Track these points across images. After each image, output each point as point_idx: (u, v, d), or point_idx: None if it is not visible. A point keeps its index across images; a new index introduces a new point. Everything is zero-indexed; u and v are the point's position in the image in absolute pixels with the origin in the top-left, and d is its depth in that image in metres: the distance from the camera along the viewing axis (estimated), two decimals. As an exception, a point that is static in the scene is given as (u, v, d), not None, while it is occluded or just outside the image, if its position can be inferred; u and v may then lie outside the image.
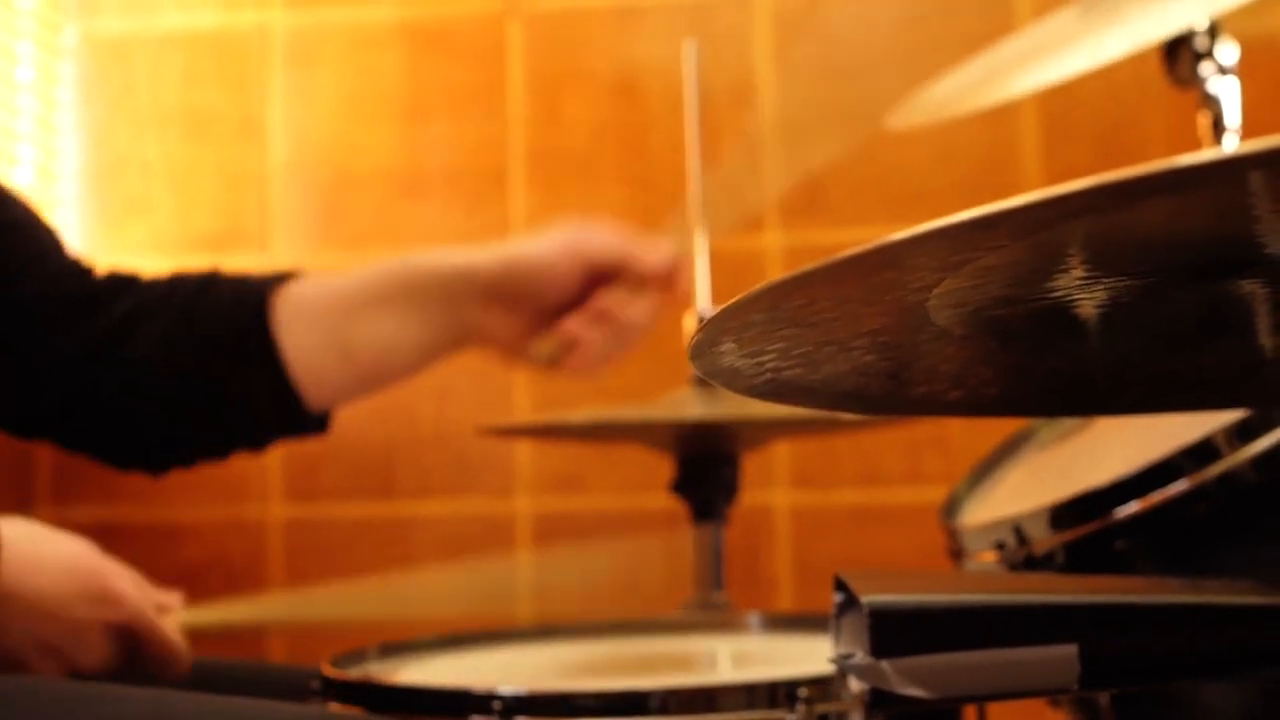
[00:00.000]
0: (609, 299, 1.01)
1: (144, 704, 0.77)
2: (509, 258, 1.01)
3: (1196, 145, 1.11)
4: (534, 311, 1.02)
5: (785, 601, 2.03)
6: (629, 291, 1.02)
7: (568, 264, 1.00)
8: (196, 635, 0.89)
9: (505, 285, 1.01)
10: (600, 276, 1.01)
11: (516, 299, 1.01)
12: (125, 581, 0.84)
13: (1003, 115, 2.00)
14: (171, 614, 0.87)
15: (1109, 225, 0.51)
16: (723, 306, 0.51)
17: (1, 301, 1.02)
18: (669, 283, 1.03)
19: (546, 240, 1.02)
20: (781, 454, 2.04)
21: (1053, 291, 0.59)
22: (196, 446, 1.08)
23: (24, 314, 1.02)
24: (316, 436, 1.09)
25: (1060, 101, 2.04)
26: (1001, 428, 1.19)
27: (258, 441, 1.09)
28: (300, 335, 1.03)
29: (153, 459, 1.07)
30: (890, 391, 0.70)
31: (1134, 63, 1.16)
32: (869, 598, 0.63)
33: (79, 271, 1.07)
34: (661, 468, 1.31)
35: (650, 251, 1.02)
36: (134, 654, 0.85)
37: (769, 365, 0.60)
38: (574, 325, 1.01)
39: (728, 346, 0.56)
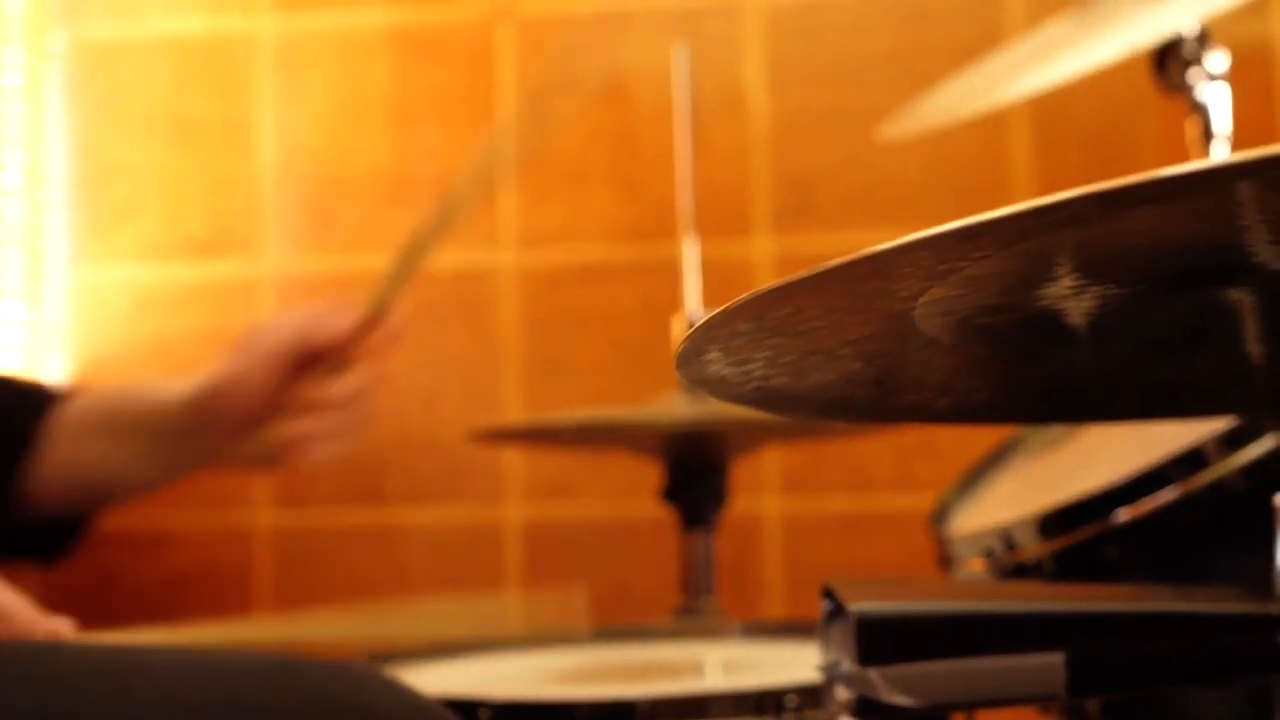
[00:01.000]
0: (308, 387, 0.99)
1: (103, 655, 0.76)
2: (200, 383, 1.01)
3: (1187, 152, 1.12)
4: (242, 424, 1.01)
5: (776, 608, 2.03)
6: (330, 370, 1.00)
7: (258, 366, 0.99)
8: None
9: (202, 409, 1.01)
10: (298, 365, 1.00)
11: (220, 418, 1.01)
12: (13, 601, 0.82)
13: (993, 122, 2.00)
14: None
15: (1096, 234, 0.51)
16: (707, 316, 0.51)
17: None
18: (367, 347, 1.02)
19: (236, 352, 1.01)
20: (772, 461, 2.04)
21: (1041, 300, 0.59)
22: None
23: None
24: (39, 562, 1.08)
25: (1051, 108, 2.04)
26: (991, 435, 1.19)
27: None
28: (51, 449, 1.03)
29: None
30: (878, 399, 0.70)
31: (1125, 70, 1.17)
32: (856, 606, 0.63)
33: None
34: (651, 475, 1.31)
35: (329, 323, 1.00)
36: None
37: (756, 374, 0.60)
38: (286, 428, 1.00)
39: (714, 355, 0.56)
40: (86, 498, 1.05)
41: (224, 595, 2.13)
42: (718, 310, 0.50)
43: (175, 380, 1.04)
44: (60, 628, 0.84)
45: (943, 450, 1.99)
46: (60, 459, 1.03)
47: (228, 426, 1.02)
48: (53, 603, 0.84)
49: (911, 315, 0.57)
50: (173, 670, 0.76)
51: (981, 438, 1.18)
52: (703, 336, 0.53)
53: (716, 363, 0.57)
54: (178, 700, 0.71)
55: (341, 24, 2.18)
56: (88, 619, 0.86)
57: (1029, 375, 0.70)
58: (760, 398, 0.64)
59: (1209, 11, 1.00)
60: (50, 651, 0.78)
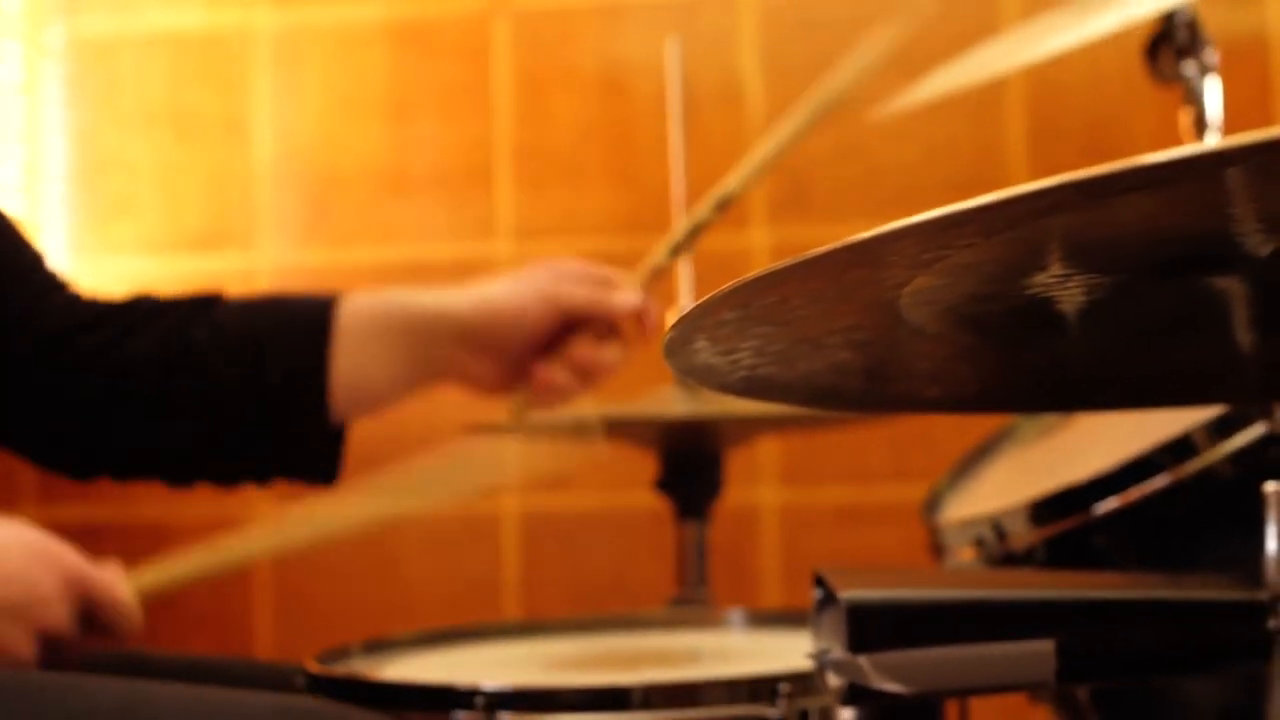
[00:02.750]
0: (581, 346, 1.03)
1: (115, 695, 0.78)
2: (485, 304, 1.03)
3: (1181, 142, 1.12)
4: (506, 354, 1.03)
5: (772, 598, 2.04)
6: (598, 335, 1.04)
7: (541, 312, 1.02)
8: (154, 598, 0.90)
9: (480, 330, 1.02)
10: (571, 321, 1.03)
11: (490, 343, 1.03)
12: (70, 551, 0.87)
13: (989, 113, 2.01)
14: (122, 578, 0.89)
15: (1083, 222, 0.51)
16: (693, 304, 0.51)
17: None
18: (639, 325, 1.05)
19: (521, 287, 1.03)
20: (768, 451, 2.05)
21: (1029, 288, 0.59)
22: (224, 467, 1.08)
23: (22, 327, 1.02)
24: (319, 483, 1.08)
25: (1047, 99, 2.05)
26: (987, 425, 1.19)
27: (268, 470, 1.09)
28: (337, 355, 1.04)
29: (182, 476, 1.08)
30: (867, 389, 0.70)
31: (1120, 60, 1.17)
32: (847, 593, 0.64)
33: (71, 293, 1.07)
34: (647, 466, 1.31)
35: (620, 298, 1.03)
36: (88, 619, 0.87)
37: (744, 362, 0.60)
38: (547, 373, 1.03)
39: (701, 344, 0.57)
40: (352, 407, 1.05)
41: (223, 587, 2.14)
42: (703, 299, 0.50)
43: (447, 291, 1.05)
44: (111, 574, 0.87)
45: (938, 440, 2.00)
46: (340, 365, 1.03)
47: (497, 348, 1.03)
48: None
49: (898, 304, 0.58)
50: (181, 712, 0.77)
51: (977, 427, 1.19)
52: (689, 326, 0.53)
53: (704, 352, 0.58)
54: None
55: (338, 18, 2.18)
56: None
57: (1018, 364, 0.70)
58: (749, 387, 0.64)
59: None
60: (61, 689, 0.79)
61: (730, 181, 1.06)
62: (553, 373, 1.03)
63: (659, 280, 1.08)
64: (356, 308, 1.04)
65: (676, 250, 1.07)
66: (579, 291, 1.03)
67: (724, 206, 1.06)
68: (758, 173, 1.06)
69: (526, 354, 1.04)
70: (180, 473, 1.08)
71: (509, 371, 1.05)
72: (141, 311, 1.05)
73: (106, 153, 2.19)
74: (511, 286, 1.04)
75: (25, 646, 0.84)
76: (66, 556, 0.86)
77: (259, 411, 1.03)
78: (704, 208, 1.07)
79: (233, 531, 0.94)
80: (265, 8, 2.18)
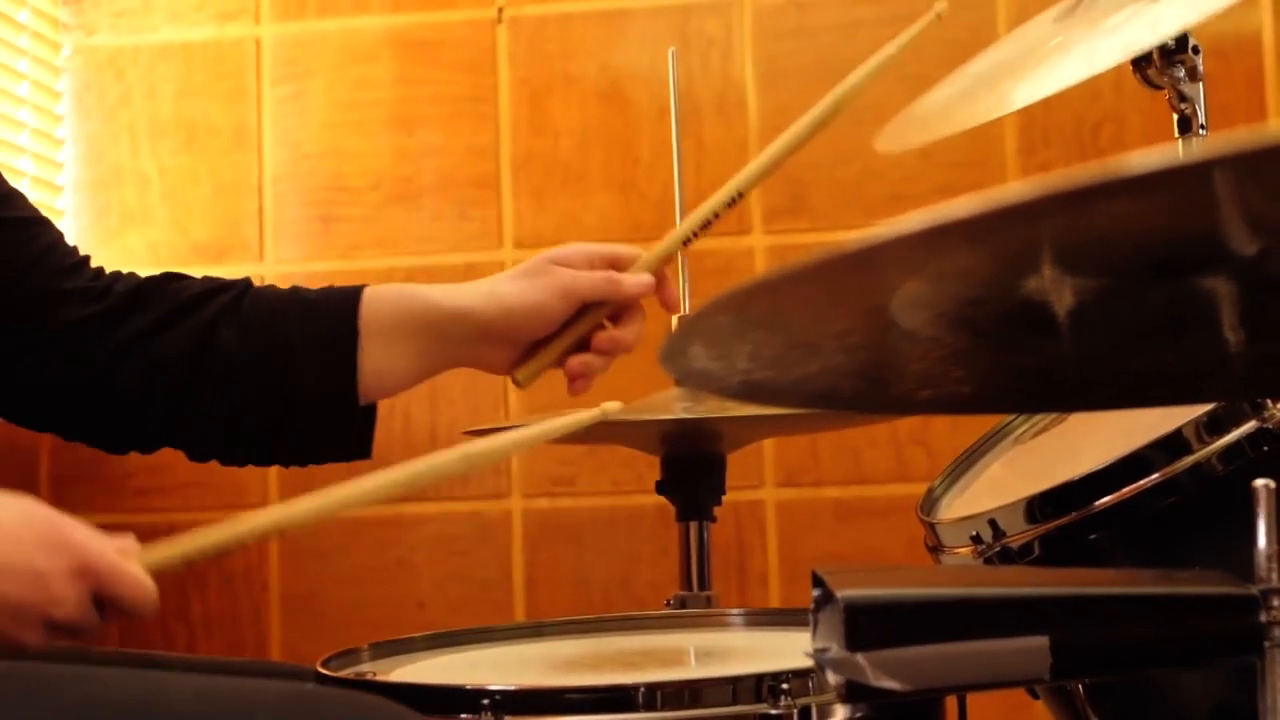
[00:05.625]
0: (610, 335, 1.05)
1: (125, 684, 0.78)
2: (504, 303, 1.04)
3: (1175, 145, 1.13)
4: (523, 344, 1.05)
5: (774, 597, 2.05)
6: (614, 317, 1.06)
7: (559, 305, 1.04)
8: (167, 571, 0.88)
9: (499, 328, 1.04)
10: (589, 306, 1.05)
11: (509, 337, 1.05)
12: (79, 528, 0.84)
13: (984, 117, 2.01)
14: (136, 552, 0.86)
15: (1073, 226, 0.52)
16: (689, 314, 0.52)
17: (22, 294, 1.03)
18: (661, 295, 1.07)
19: (536, 282, 1.04)
20: (769, 452, 2.06)
21: (1019, 292, 0.60)
22: (252, 453, 1.10)
23: (47, 305, 1.03)
24: (354, 459, 1.10)
25: (1038, 103, 2.05)
26: (982, 424, 1.20)
27: (298, 457, 1.11)
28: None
29: (210, 453, 1.09)
30: (862, 391, 0.71)
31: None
32: (844, 592, 0.64)
33: (93, 271, 1.08)
34: (652, 468, 1.33)
35: (632, 281, 1.05)
36: (102, 600, 0.85)
37: (740, 367, 0.61)
38: (582, 367, 1.05)
39: (697, 350, 0.58)
40: (372, 395, 1.07)
41: (236, 591, 2.16)
42: (698, 309, 0.52)
43: (463, 289, 1.07)
44: (126, 544, 0.85)
45: (938, 440, 2.01)
46: (365, 365, 1.05)
47: (509, 342, 1.06)
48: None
49: (890, 308, 0.59)
50: (191, 699, 0.77)
51: (974, 428, 1.20)
52: (685, 332, 0.55)
53: (700, 357, 0.59)
54: None
55: (343, 30, 2.19)
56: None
57: (1011, 365, 0.71)
58: (746, 391, 0.66)
59: (1202, 14, 1.01)
60: (71, 680, 0.79)
61: (744, 175, 1.08)
62: (589, 364, 1.05)
63: (669, 263, 1.10)
64: (379, 308, 1.06)
65: (689, 240, 1.08)
66: (592, 280, 1.05)
67: (735, 201, 1.08)
68: (772, 167, 1.08)
69: (541, 340, 1.06)
70: (206, 454, 1.10)
71: (524, 354, 1.07)
72: (169, 302, 1.06)
73: (117, 165, 2.21)
74: (525, 283, 1.05)
75: (37, 638, 0.82)
76: (75, 537, 0.83)
77: (286, 410, 1.05)
78: (716, 200, 1.08)
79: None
80: (271, 21, 2.20)
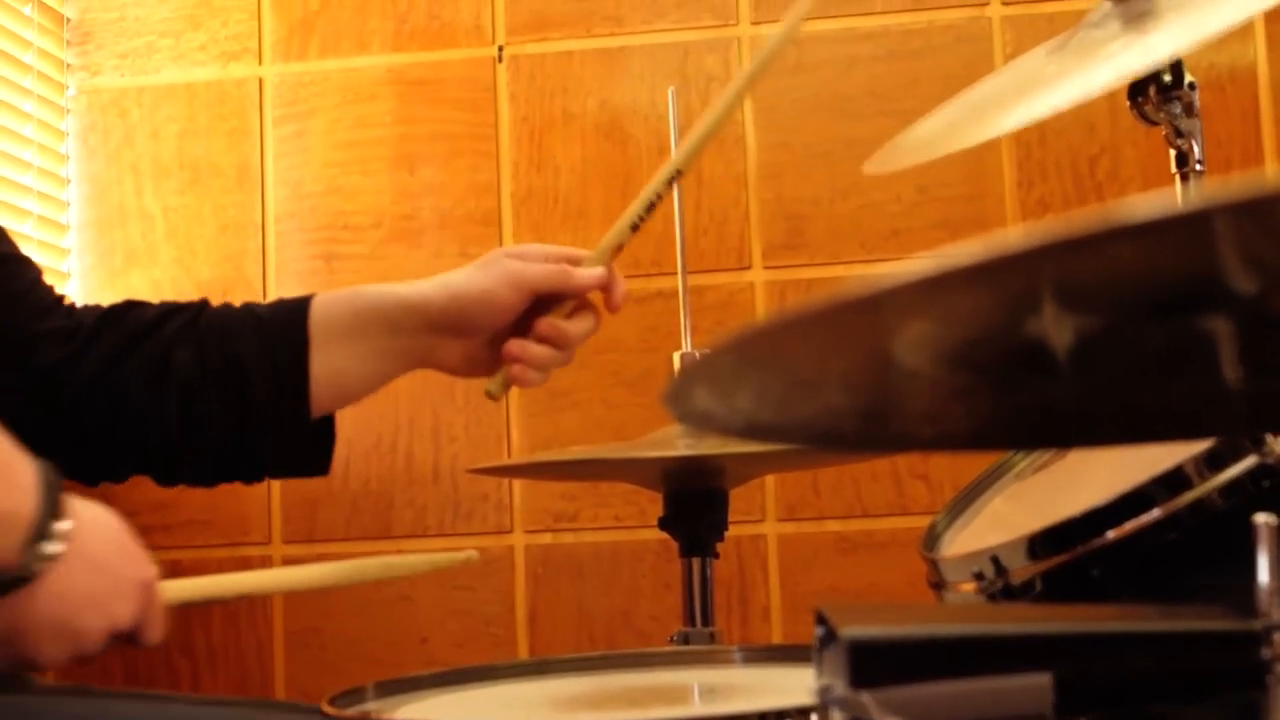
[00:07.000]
0: (550, 321, 1.06)
1: (148, 713, 0.78)
2: (453, 291, 1.05)
3: (1170, 178, 1.14)
4: (477, 337, 1.07)
5: (776, 631, 2.05)
6: (567, 311, 1.07)
7: (509, 294, 1.05)
8: (177, 609, 0.90)
9: (449, 317, 1.06)
10: (540, 299, 1.06)
11: (460, 328, 1.06)
12: (123, 533, 0.85)
13: (980, 152, 2.03)
14: (161, 586, 0.88)
15: (1074, 267, 0.53)
16: (694, 361, 0.53)
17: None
18: (607, 296, 1.08)
19: (486, 272, 1.06)
20: (771, 488, 2.06)
21: (1021, 331, 0.61)
22: (216, 471, 1.10)
23: (25, 345, 1.04)
24: (312, 475, 1.11)
25: (1035, 137, 2.07)
26: (984, 459, 1.21)
27: (259, 472, 1.11)
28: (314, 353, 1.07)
29: (180, 476, 1.10)
30: (864, 430, 0.72)
31: (1107, 97, 1.19)
32: (848, 630, 0.65)
33: (64, 305, 1.09)
34: (655, 503, 1.33)
35: (583, 274, 1.06)
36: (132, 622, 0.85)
37: (743, 408, 0.62)
38: (519, 349, 1.06)
39: (701, 391, 0.59)
40: (333, 401, 1.07)
41: (239, 629, 2.15)
42: (702, 356, 0.52)
43: (414, 283, 1.08)
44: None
45: (938, 473, 2.02)
46: (317, 369, 1.06)
47: (464, 335, 1.07)
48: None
49: (891, 350, 0.59)
50: None
51: (974, 463, 1.20)
52: (688, 377, 0.55)
53: (704, 398, 0.60)
54: None
55: (344, 69, 2.21)
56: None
57: (1012, 403, 0.72)
58: (749, 430, 0.66)
59: (1195, 40, 1.02)
60: (77, 711, 0.79)
61: (679, 156, 1.10)
62: (526, 348, 1.06)
63: (619, 255, 1.11)
64: (330, 310, 1.07)
65: (636, 226, 1.10)
66: (543, 270, 1.06)
67: (674, 180, 1.10)
68: (703, 145, 1.09)
69: (498, 335, 1.07)
70: (174, 477, 1.10)
71: (482, 353, 1.08)
72: (129, 329, 1.07)
73: (121, 204, 2.22)
74: (476, 272, 1.06)
75: (97, 642, 0.82)
76: (144, 554, 0.84)
77: (244, 426, 1.05)
78: (657, 182, 1.09)
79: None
80: (274, 61, 2.22)
